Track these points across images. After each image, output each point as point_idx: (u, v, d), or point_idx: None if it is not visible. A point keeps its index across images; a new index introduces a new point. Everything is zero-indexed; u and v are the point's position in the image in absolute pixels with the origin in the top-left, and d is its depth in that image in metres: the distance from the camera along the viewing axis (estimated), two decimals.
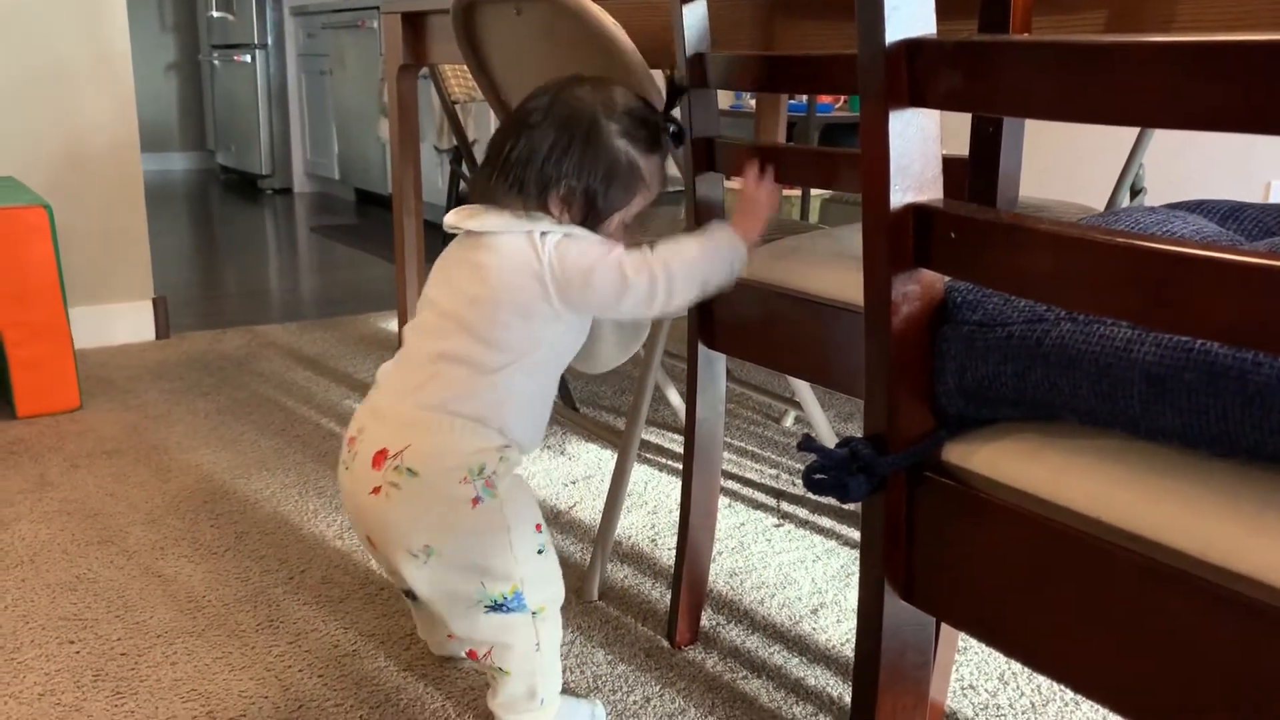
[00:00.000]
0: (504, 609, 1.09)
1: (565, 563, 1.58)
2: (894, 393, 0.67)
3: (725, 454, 2.01)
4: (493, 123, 3.73)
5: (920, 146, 0.63)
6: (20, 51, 2.48)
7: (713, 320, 1.26)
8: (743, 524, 1.73)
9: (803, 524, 1.73)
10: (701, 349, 1.29)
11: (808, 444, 0.67)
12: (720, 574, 1.55)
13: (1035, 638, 0.61)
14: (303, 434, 2.04)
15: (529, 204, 1.08)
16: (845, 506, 1.79)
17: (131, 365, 2.53)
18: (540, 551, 1.12)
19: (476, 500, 1.07)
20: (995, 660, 1.34)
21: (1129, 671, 0.56)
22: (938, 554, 0.68)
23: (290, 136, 5.87)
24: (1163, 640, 0.54)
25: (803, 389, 1.71)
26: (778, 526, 1.72)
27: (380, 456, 1.07)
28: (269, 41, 5.74)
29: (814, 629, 1.41)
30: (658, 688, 1.27)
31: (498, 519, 1.08)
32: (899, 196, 0.63)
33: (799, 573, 1.56)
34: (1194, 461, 0.57)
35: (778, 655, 1.35)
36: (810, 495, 1.83)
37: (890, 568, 0.70)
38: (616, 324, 1.26)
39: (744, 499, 1.82)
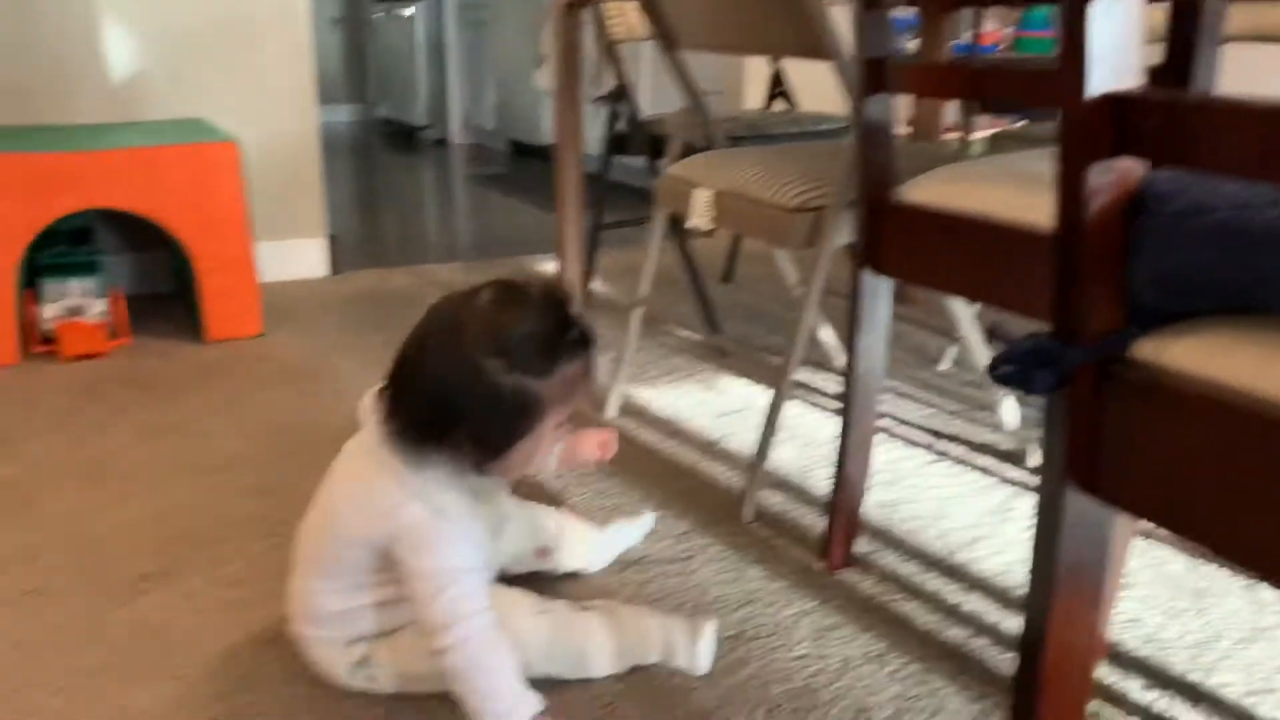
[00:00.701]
0: None
1: (720, 487, 1.62)
2: (1085, 287, 0.67)
3: (881, 394, 2.00)
4: (644, 69, 3.76)
5: (1121, 32, 0.62)
6: (209, 3, 2.62)
7: (879, 244, 1.26)
8: (898, 459, 1.72)
9: (959, 460, 1.72)
10: (866, 275, 1.29)
11: (998, 332, 0.68)
12: (873, 505, 1.56)
13: (1227, 525, 0.61)
14: None
15: (423, 454, 1.02)
16: (1002, 446, 1.77)
17: (309, 298, 2.67)
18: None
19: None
20: (1161, 594, 1.31)
21: None
22: (1124, 447, 0.68)
23: (448, 88, 6.02)
24: None
25: (965, 321, 1.68)
26: (934, 462, 1.71)
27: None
28: None
29: (971, 559, 1.41)
30: (812, 604, 1.30)
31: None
32: (1097, 84, 0.63)
33: (955, 507, 1.56)
34: None
35: (933, 581, 1.35)
36: (965, 436, 1.81)
37: (1073, 462, 0.70)
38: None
39: (899, 436, 1.82)
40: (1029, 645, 0.74)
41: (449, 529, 1.03)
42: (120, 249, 2.65)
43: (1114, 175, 0.65)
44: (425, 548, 1.02)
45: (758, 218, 1.53)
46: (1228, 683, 1.15)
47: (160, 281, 2.71)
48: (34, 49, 2.47)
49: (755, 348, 2.30)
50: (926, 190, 1.20)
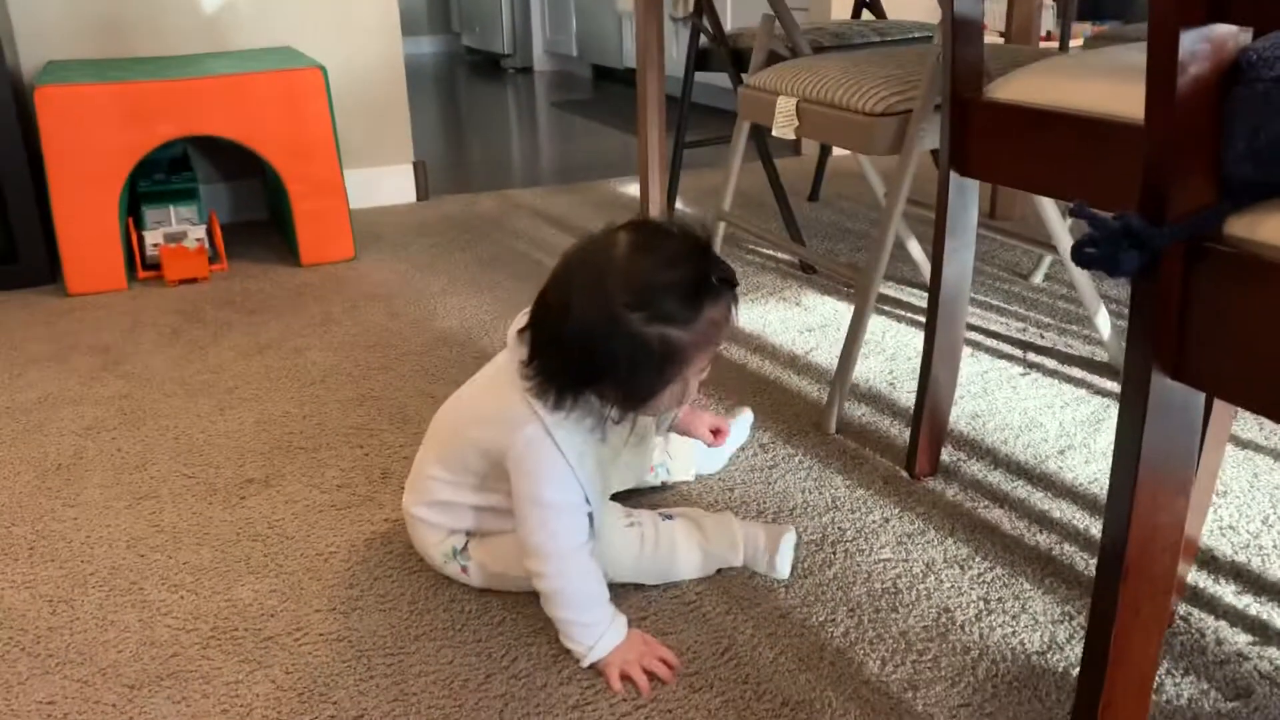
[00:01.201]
0: None
1: (804, 399, 1.62)
2: (1176, 160, 0.64)
3: (970, 309, 1.97)
4: None
5: None
6: None
7: (965, 144, 1.23)
8: (986, 371, 1.70)
9: (1050, 373, 1.69)
10: (953, 177, 1.26)
11: (1080, 211, 0.67)
12: (961, 416, 1.54)
13: None
14: None
15: (565, 400, 1.01)
16: (1097, 358, 1.73)
17: (397, 223, 2.72)
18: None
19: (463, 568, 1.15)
20: (1259, 503, 1.28)
21: None
22: (1214, 329, 0.66)
23: (530, 16, 5.99)
24: None
25: (1059, 231, 1.64)
26: (1024, 375, 1.68)
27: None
28: None
29: (1060, 468, 1.39)
30: (896, 510, 1.30)
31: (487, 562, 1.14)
32: None
33: (1045, 417, 1.53)
34: None
35: (1021, 489, 1.34)
36: (1059, 349, 1.78)
37: (1160, 346, 0.68)
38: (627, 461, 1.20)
39: (988, 349, 1.79)
40: (1111, 533, 0.73)
41: (563, 465, 1.03)
42: (215, 178, 2.73)
43: (1208, 43, 0.62)
44: (538, 475, 1.03)
45: (841, 123, 1.51)
46: None
47: (255, 209, 2.78)
48: None
49: (841, 264, 2.27)
50: (1015, 87, 1.16)
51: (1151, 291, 0.68)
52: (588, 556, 1.05)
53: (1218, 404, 0.97)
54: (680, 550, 1.16)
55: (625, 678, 1.01)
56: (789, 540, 1.18)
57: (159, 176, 2.38)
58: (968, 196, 1.28)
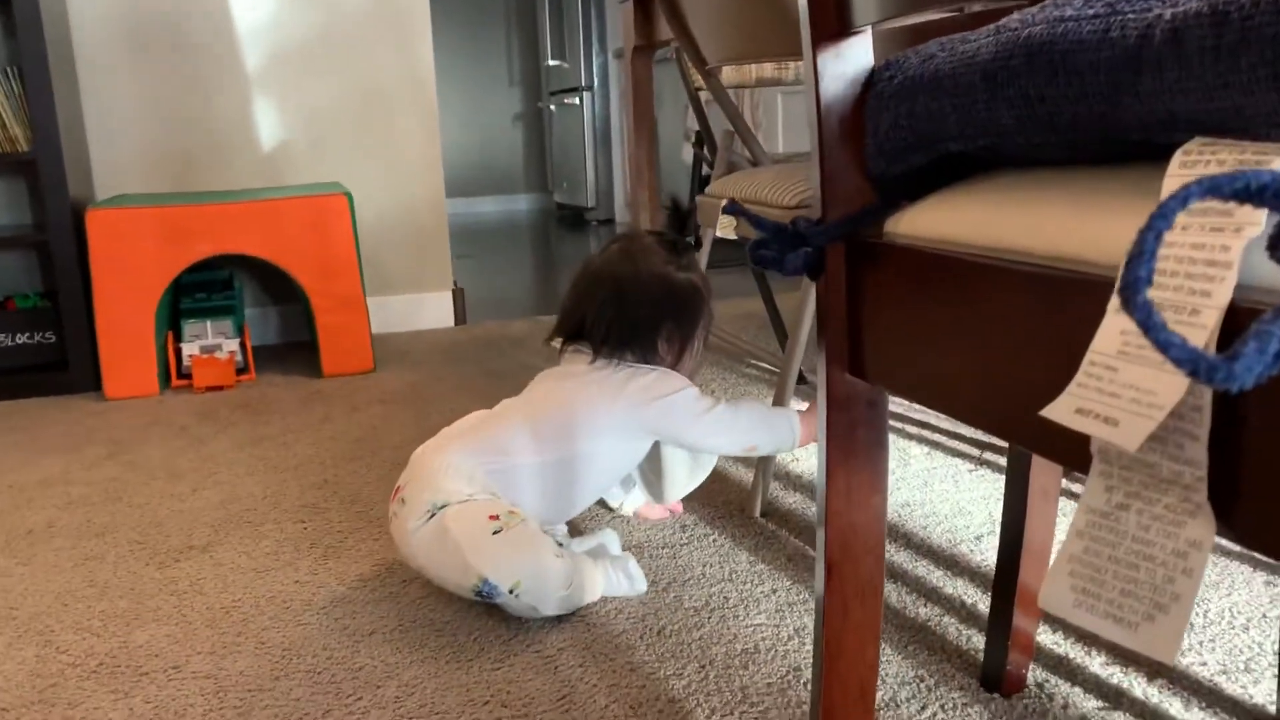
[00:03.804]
0: (487, 595, 1.19)
1: (740, 487, 1.63)
2: (825, 166, 0.69)
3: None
4: (746, 112, 3.81)
5: None
6: (347, 78, 2.91)
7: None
8: (935, 467, 1.69)
9: (1000, 469, 1.66)
10: None
11: (733, 208, 0.71)
12: (892, 505, 1.53)
13: (966, 390, 0.61)
14: None
15: (645, 358, 1.32)
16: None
17: (426, 344, 2.86)
18: (496, 533, 1.19)
19: (431, 515, 1.22)
20: None
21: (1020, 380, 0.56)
22: (875, 323, 0.69)
23: (613, 172, 6.30)
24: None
25: None
26: (972, 471, 1.66)
27: (395, 492, 1.28)
28: (594, 83, 6.22)
29: (972, 550, 1.36)
30: (788, 583, 1.29)
31: (441, 526, 1.20)
32: None
33: (976, 507, 1.51)
34: (1051, 176, 0.57)
35: (922, 568, 1.32)
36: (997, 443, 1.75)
37: (833, 343, 0.71)
38: (689, 458, 1.43)
39: (946, 448, 1.78)
40: (820, 535, 0.74)
41: (673, 375, 1.31)
42: (264, 302, 2.94)
43: (840, 59, 0.68)
44: (667, 393, 1.28)
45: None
46: (1202, 661, 1.07)
47: (298, 332, 2.97)
48: (195, 123, 2.81)
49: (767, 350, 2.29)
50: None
51: (823, 290, 0.71)
52: (724, 409, 1.30)
53: (1037, 458, 0.97)
54: (588, 576, 1.25)
55: None
56: (628, 559, 1.32)
57: (201, 296, 2.58)
58: None
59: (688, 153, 3.87)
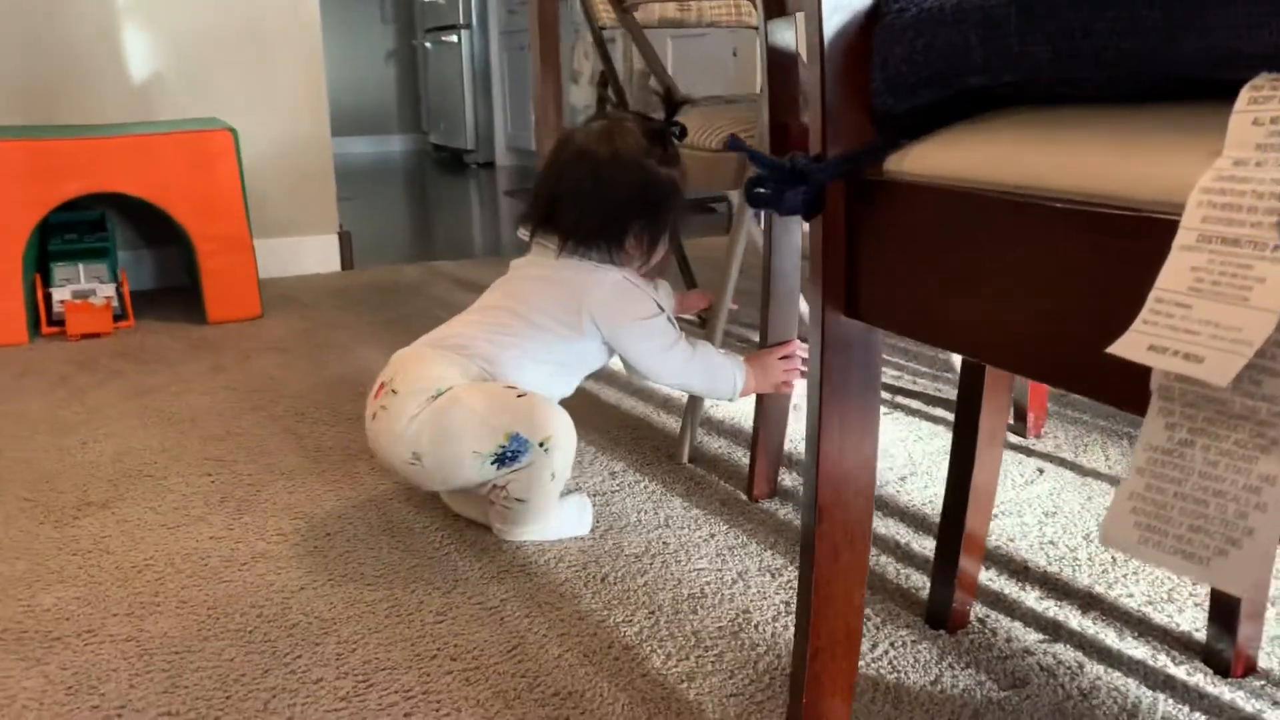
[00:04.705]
0: (509, 457, 1.19)
1: (664, 434, 1.63)
2: (828, 102, 0.67)
3: None
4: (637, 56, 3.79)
5: None
6: (224, 9, 2.74)
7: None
8: None
9: (913, 413, 1.70)
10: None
11: (736, 144, 0.69)
12: None
13: (955, 319, 0.61)
14: None
15: (611, 253, 1.27)
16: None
17: (314, 288, 2.75)
18: (520, 395, 1.20)
19: (435, 398, 1.20)
20: (1085, 522, 1.28)
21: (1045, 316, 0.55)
22: (875, 262, 0.68)
23: (493, 114, 6.16)
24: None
25: None
26: (887, 414, 1.69)
27: (380, 388, 1.25)
28: (473, 21, 6.04)
29: (898, 491, 1.39)
30: (725, 527, 1.30)
31: (451, 399, 1.20)
32: None
33: (896, 448, 1.54)
34: (1079, 113, 0.56)
35: None
36: (928, 390, 1.79)
37: (830, 283, 0.70)
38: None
39: None
40: (807, 478, 0.74)
41: (638, 290, 1.28)
42: (137, 244, 2.77)
43: None
44: (638, 308, 1.27)
45: (691, 162, 1.55)
46: (1129, 593, 1.12)
47: (176, 276, 2.82)
48: (55, 51, 2.61)
49: (691, 293, 2.30)
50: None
51: (819, 229, 0.70)
52: (684, 346, 1.29)
53: (987, 403, 0.99)
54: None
55: (786, 384, 1.34)
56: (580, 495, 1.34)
57: (71, 237, 2.42)
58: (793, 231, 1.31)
59: (577, 94, 3.80)
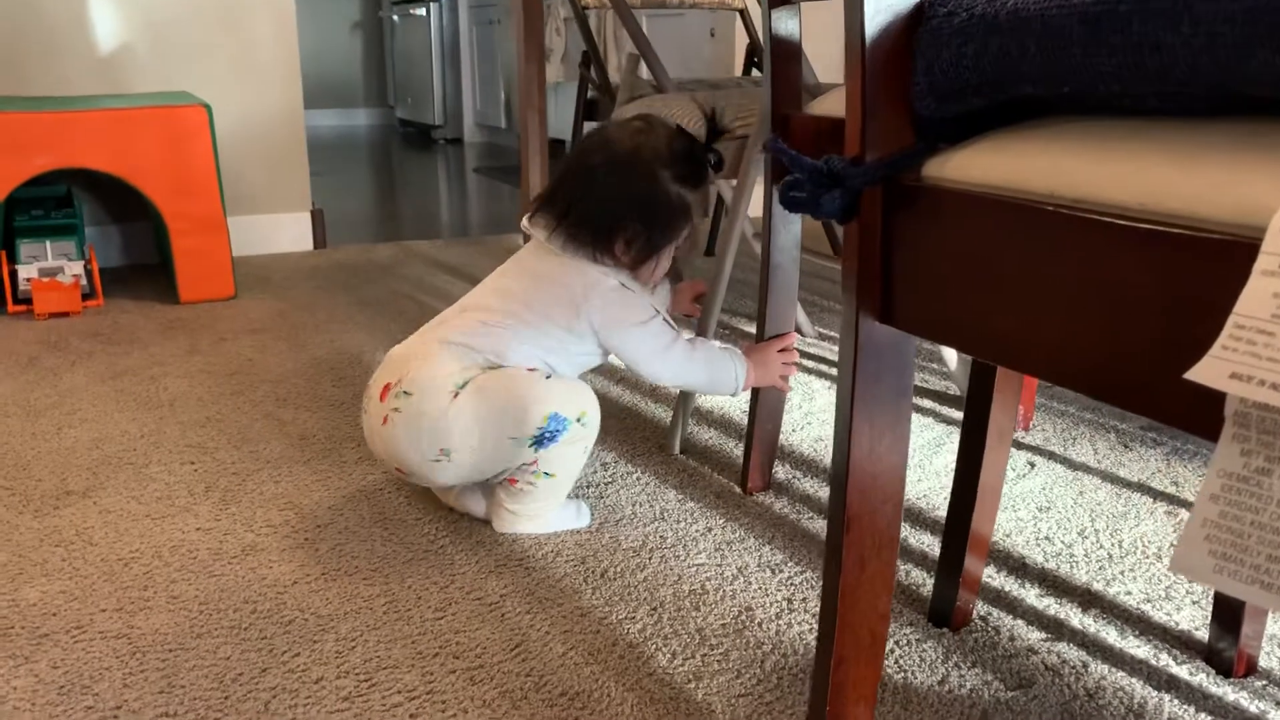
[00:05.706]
0: (548, 436, 1.19)
1: (654, 424, 1.61)
2: (868, 104, 0.66)
3: (834, 348, 1.99)
4: (610, 35, 3.76)
5: None
6: None
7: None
8: None
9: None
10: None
11: (774, 145, 0.67)
12: (805, 440, 1.55)
13: (1001, 330, 0.60)
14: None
15: (596, 250, 1.23)
16: (951, 391, 1.75)
17: (287, 268, 2.71)
18: (549, 376, 1.21)
19: (456, 394, 1.18)
20: (1079, 517, 1.29)
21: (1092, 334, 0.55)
22: (912, 269, 0.67)
23: (461, 90, 6.08)
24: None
25: None
26: None
27: (385, 389, 1.21)
28: None
29: None
30: (721, 521, 1.29)
31: (479, 390, 1.18)
32: None
33: None
34: (1137, 126, 0.55)
35: None
36: (915, 383, 1.79)
37: (865, 290, 0.69)
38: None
39: None
40: (835, 486, 0.73)
41: (634, 295, 1.26)
42: (104, 220, 2.70)
43: None
44: (634, 313, 1.24)
45: None
46: (1127, 591, 1.12)
47: (145, 253, 2.75)
48: (22, 20, 2.53)
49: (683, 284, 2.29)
50: (834, 103, 1.19)
51: (855, 234, 0.69)
52: (683, 346, 1.27)
53: (997, 402, 0.98)
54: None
55: (783, 377, 1.33)
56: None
57: (37, 213, 2.35)
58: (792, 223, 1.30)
59: (549, 73, 3.76)
